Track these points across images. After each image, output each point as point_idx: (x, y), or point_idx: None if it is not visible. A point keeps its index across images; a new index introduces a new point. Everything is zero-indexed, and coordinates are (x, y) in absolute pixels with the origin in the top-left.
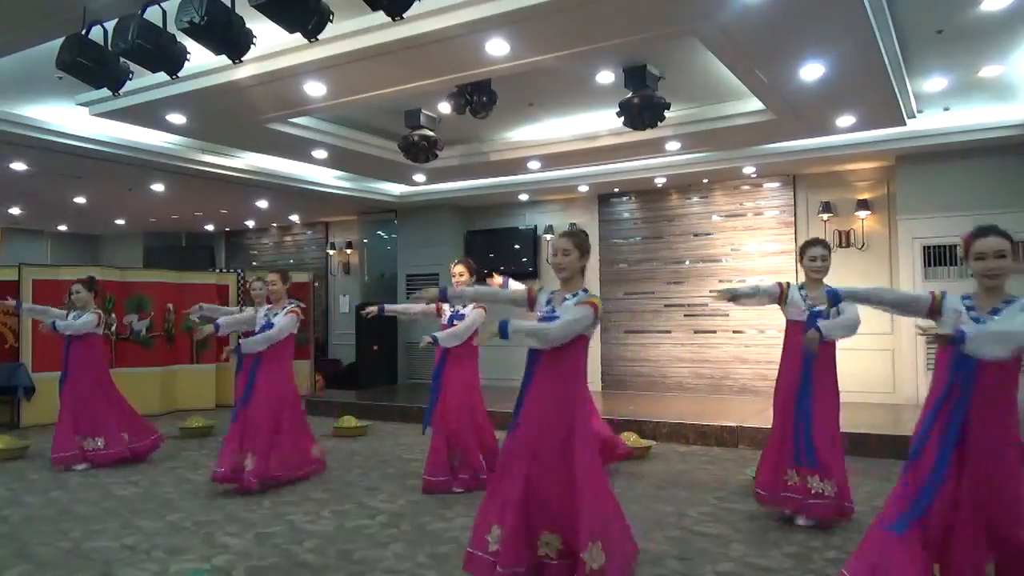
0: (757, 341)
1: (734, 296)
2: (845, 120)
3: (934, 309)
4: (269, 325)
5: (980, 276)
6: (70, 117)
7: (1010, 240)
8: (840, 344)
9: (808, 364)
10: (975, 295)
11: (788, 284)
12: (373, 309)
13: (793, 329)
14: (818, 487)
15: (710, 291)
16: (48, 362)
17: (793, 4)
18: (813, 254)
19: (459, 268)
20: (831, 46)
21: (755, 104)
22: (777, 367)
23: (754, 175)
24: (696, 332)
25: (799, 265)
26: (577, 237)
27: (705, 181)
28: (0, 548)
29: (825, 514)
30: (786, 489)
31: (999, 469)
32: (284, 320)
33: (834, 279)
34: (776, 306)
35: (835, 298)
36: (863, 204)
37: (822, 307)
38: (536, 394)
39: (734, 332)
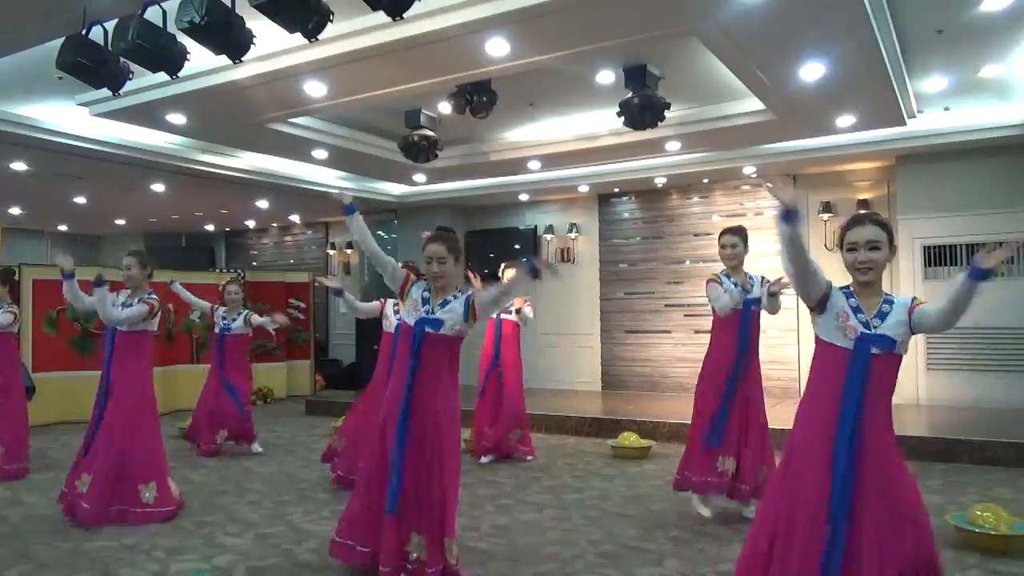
0: None
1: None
2: (845, 120)
3: (820, 301)
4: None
5: (851, 269)
6: (70, 117)
7: (887, 230)
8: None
9: (744, 351)
10: (854, 290)
11: (719, 276)
12: (332, 284)
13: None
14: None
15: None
16: (47, 362)
17: (793, 4)
18: (723, 242)
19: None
20: (831, 46)
21: (755, 104)
22: (776, 368)
23: (754, 175)
24: (696, 332)
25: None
26: (450, 243)
27: (705, 181)
28: (1, 548)
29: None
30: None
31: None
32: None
33: (834, 279)
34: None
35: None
36: (863, 204)
37: (753, 292)
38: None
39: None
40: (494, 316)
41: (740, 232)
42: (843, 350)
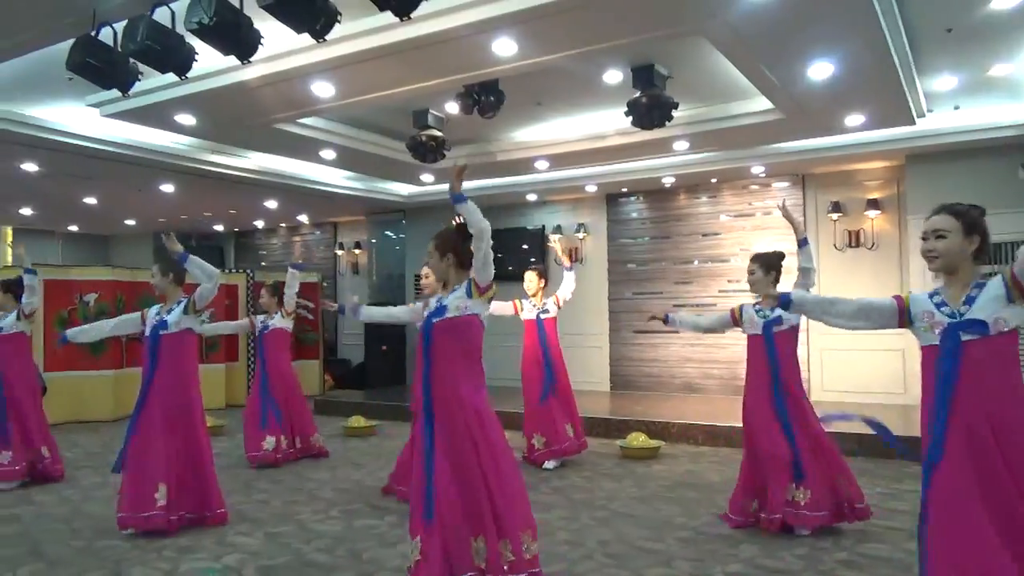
0: None
1: (667, 320)
2: (854, 119)
3: (904, 318)
4: (162, 323)
5: (925, 258)
6: (80, 118)
7: (962, 218)
8: (850, 344)
9: (776, 375)
10: (941, 287)
11: (741, 308)
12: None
13: (753, 343)
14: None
15: (649, 318)
16: (58, 362)
17: (802, 3)
18: (748, 269)
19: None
20: (840, 45)
21: (764, 103)
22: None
23: (763, 175)
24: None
25: None
26: (437, 238)
27: (713, 181)
28: (13, 547)
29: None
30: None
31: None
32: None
33: (844, 280)
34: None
35: (784, 304)
36: (873, 204)
37: (774, 313)
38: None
39: (743, 332)
40: (534, 317)
41: (758, 259)
42: (934, 347)
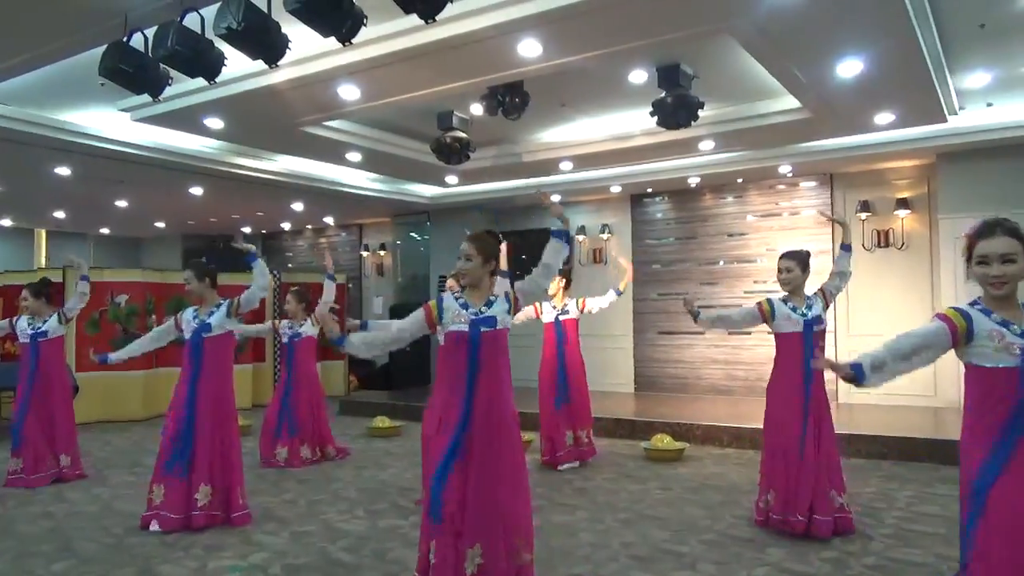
0: None
1: (696, 318)
2: (884, 117)
3: (959, 338)
4: (205, 326)
5: (983, 283)
6: (112, 122)
7: (1021, 238)
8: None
9: (810, 374)
10: (986, 302)
11: (770, 303)
12: (356, 323)
13: (786, 341)
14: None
15: (684, 303)
16: (89, 362)
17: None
18: (779, 266)
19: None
20: (870, 42)
21: (791, 102)
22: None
23: (790, 174)
24: (730, 333)
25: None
26: (480, 242)
27: (740, 181)
28: (46, 543)
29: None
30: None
31: None
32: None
33: (873, 281)
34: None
35: (859, 378)
36: (903, 203)
37: (813, 312)
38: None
39: (768, 333)
40: (552, 319)
41: (796, 256)
42: (1011, 370)
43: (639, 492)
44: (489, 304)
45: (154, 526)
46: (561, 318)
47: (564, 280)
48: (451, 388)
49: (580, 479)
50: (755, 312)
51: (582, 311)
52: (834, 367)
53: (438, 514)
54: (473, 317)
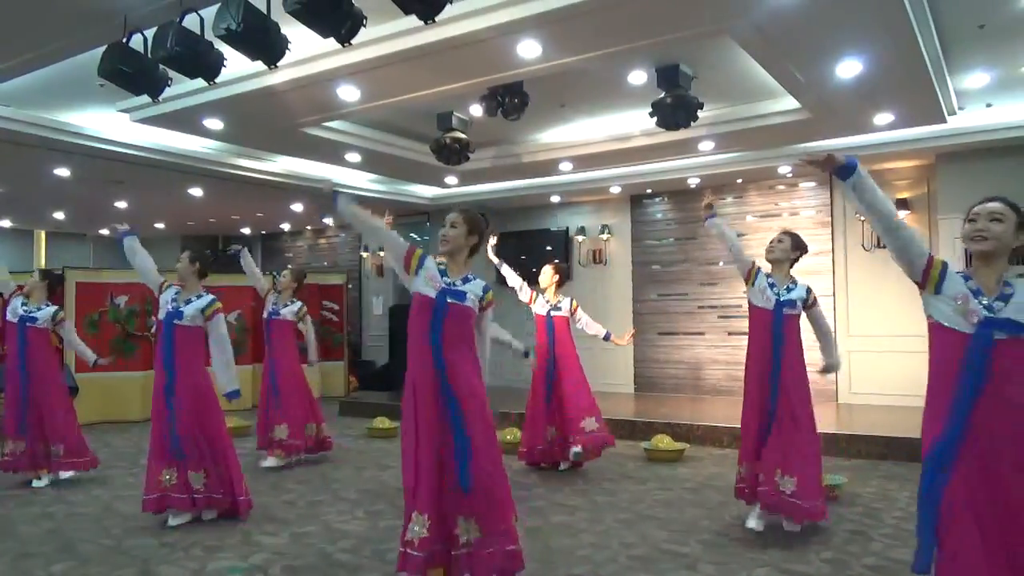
0: None
1: (711, 218)
2: (883, 118)
3: (928, 277)
4: (177, 313)
5: (966, 240)
6: (111, 123)
7: (1017, 212)
8: (879, 346)
9: (778, 352)
10: (972, 273)
11: (758, 270)
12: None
13: (757, 317)
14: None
15: (705, 204)
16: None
17: (829, 1)
18: (774, 238)
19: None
20: (869, 42)
21: (790, 103)
22: (814, 371)
23: (789, 175)
24: (730, 334)
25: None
26: (468, 213)
27: (739, 181)
28: (46, 544)
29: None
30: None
31: None
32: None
33: (872, 280)
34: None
35: (850, 168)
36: (902, 203)
37: (789, 294)
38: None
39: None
40: (544, 314)
41: (794, 236)
42: (963, 336)
43: (639, 492)
44: (466, 280)
45: (172, 518)
46: (553, 314)
47: (557, 275)
48: (419, 351)
49: (580, 479)
50: (748, 263)
51: (573, 314)
52: (830, 155)
53: (418, 495)
54: (444, 286)
